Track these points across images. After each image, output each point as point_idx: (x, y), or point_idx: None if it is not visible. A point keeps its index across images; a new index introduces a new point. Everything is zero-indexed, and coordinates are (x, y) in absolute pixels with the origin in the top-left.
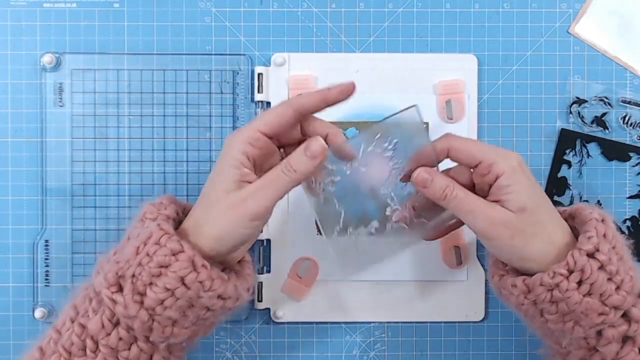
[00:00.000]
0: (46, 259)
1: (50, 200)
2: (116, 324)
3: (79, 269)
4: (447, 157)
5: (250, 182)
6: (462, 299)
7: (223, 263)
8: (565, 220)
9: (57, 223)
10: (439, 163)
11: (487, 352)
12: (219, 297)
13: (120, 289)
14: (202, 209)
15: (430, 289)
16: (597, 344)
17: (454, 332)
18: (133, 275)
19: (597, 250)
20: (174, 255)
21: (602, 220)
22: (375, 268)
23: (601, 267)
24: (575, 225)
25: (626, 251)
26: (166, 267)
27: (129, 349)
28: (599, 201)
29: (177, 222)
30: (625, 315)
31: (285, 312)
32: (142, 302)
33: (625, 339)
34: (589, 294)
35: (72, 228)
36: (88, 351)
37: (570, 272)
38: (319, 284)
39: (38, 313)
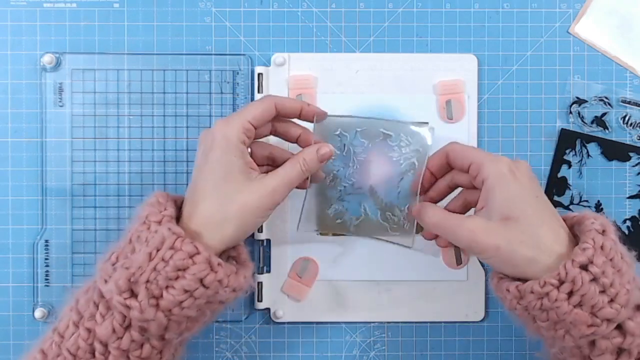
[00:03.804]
0: (46, 259)
1: (50, 200)
2: (127, 327)
3: (79, 269)
4: (447, 162)
5: (253, 169)
6: (462, 299)
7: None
8: (572, 226)
9: (57, 223)
10: (440, 170)
11: (487, 352)
12: (234, 290)
13: (133, 295)
14: (214, 205)
15: (430, 289)
16: (590, 354)
17: (454, 332)
18: (147, 281)
19: (591, 262)
20: (190, 257)
21: (603, 232)
22: (375, 268)
23: (593, 280)
24: (578, 234)
25: (627, 264)
26: (184, 270)
27: (141, 348)
28: (599, 201)
29: (176, 219)
30: (621, 328)
31: (285, 312)
32: (158, 305)
33: (620, 351)
34: (579, 305)
35: (72, 228)
36: (97, 354)
37: (561, 282)
38: (319, 284)
39: (38, 313)
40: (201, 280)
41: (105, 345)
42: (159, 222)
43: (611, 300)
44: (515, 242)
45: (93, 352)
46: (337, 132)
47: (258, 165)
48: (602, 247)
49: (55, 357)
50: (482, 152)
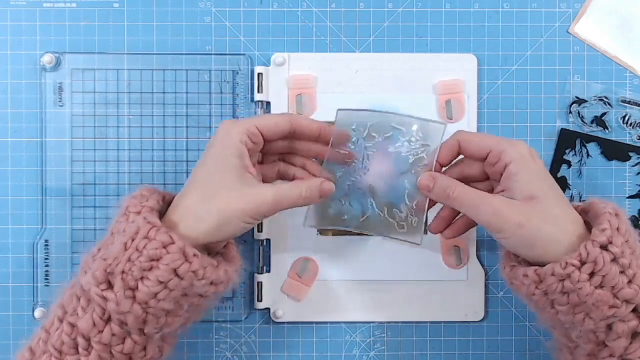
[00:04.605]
0: (46, 259)
1: (50, 200)
2: (108, 321)
3: (79, 269)
4: (459, 153)
5: (250, 173)
6: (462, 299)
7: (207, 248)
8: (580, 214)
9: (57, 223)
10: (452, 161)
11: (487, 352)
12: (212, 283)
13: (111, 286)
14: (198, 197)
15: (430, 289)
16: (606, 339)
17: (454, 332)
18: (123, 272)
19: (611, 243)
20: (164, 247)
21: (616, 215)
22: (375, 268)
23: (614, 260)
24: (588, 220)
25: (639, 246)
26: (157, 260)
27: (123, 343)
28: None
29: (160, 213)
30: (636, 311)
31: (285, 312)
32: (134, 297)
33: (635, 335)
34: (600, 286)
35: (72, 228)
36: (80, 349)
37: (583, 263)
38: (319, 284)
39: (38, 313)
40: (175, 271)
41: (88, 340)
42: (138, 213)
43: (630, 282)
44: (539, 220)
45: (77, 348)
46: (354, 127)
47: (269, 181)
48: (618, 229)
49: (42, 355)
50: (497, 137)
